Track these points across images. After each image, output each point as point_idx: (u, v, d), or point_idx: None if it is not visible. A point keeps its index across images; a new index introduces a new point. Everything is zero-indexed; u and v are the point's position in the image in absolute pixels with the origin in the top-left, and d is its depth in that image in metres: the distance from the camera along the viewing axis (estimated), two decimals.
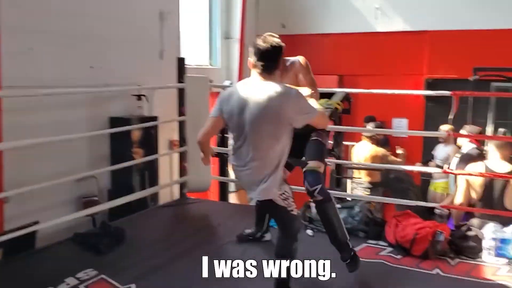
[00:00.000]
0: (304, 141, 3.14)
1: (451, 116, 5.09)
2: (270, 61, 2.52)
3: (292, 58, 3.23)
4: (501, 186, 3.72)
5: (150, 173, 4.96)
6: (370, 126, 5.59)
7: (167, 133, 5.43)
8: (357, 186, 5.41)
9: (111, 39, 4.69)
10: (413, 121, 6.80)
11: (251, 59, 2.58)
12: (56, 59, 4.10)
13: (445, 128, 5.80)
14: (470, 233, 3.53)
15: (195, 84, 4.38)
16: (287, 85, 2.62)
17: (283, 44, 2.58)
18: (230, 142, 2.82)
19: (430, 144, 6.57)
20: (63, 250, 3.42)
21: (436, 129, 5.79)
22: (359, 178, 5.45)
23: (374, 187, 5.50)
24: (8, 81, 3.56)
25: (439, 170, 4.11)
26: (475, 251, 3.43)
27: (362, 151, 5.48)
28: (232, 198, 6.18)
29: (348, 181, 5.82)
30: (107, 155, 4.77)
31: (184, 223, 4.15)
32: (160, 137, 5.12)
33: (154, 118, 4.94)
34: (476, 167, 3.88)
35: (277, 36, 2.63)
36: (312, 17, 7.18)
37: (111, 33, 4.68)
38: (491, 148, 3.92)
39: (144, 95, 5.02)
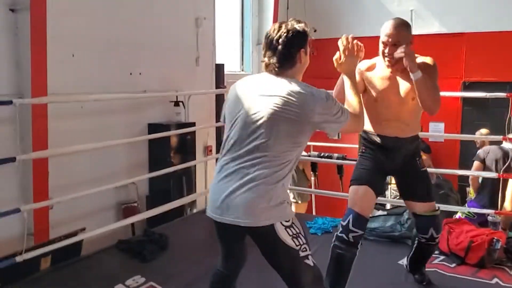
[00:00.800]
0: (405, 167, 2.72)
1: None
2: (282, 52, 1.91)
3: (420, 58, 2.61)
4: None
5: (187, 179, 4.92)
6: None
7: (203, 139, 5.40)
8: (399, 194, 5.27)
9: (149, 46, 4.68)
10: (450, 125, 6.63)
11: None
12: (96, 66, 4.10)
13: (483, 132, 5.66)
14: None
15: None
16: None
17: (306, 29, 1.98)
18: None
19: (466, 148, 6.41)
20: (108, 257, 3.39)
21: (473, 133, 5.66)
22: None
23: None
24: (52, 88, 3.56)
25: (492, 174, 3.95)
26: None
27: None
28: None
29: (389, 188, 5.70)
30: (146, 161, 4.76)
31: None
32: (197, 143, 5.08)
33: (191, 124, 4.91)
34: None
35: (300, 21, 2.01)
36: (346, 21, 7.08)
37: (149, 40, 4.67)
38: None
39: (181, 101, 5.00)
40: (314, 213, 5.76)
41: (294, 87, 1.88)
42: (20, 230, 3.03)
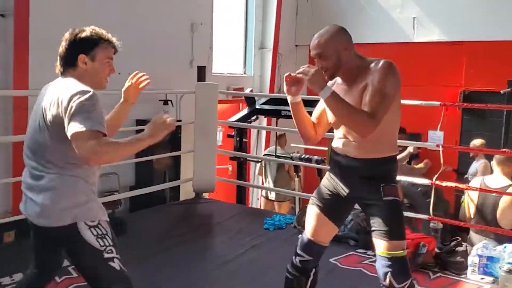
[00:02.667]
0: (363, 195, 2.27)
1: None
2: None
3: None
4: (492, 202, 3.61)
5: (170, 173, 5.29)
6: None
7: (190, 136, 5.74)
8: None
9: (141, 48, 5.06)
10: (449, 134, 6.57)
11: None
12: None
13: (476, 142, 5.61)
14: (459, 248, 3.45)
15: (205, 91, 4.62)
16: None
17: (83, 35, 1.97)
18: None
19: (465, 158, 6.35)
20: None
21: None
22: None
23: None
24: (34, 84, 4.01)
25: (426, 181, 4.03)
26: (461, 267, 3.35)
27: None
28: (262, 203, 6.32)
29: None
30: (132, 154, 5.14)
31: (186, 219, 4.41)
32: (183, 139, 5.40)
33: (178, 121, 5.25)
34: (474, 182, 3.81)
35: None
36: (349, 27, 7.12)
37: (141, 42, 5.05)
38: (493, 163, 3.80)
39: (170, 100, 5.36)
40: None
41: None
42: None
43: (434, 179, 3.81)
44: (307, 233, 2.36)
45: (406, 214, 4.09)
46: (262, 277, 3.21)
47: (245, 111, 5.59)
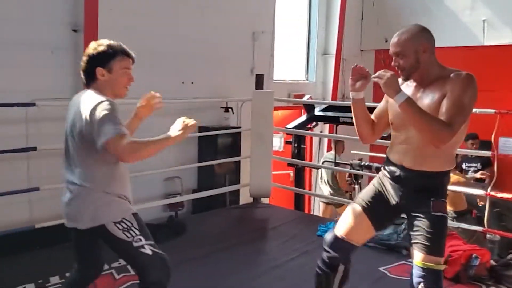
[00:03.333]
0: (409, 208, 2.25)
1: None
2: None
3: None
4: None
5: (231, 177, 5.48)
6: None
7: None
8: None
9: (204, 58, 5.32)
10: None
11: None
12: (147, 75, 4.77)
13: None
14: None
15: (261, 98, 4.75)
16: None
17: (100, 50, 2.14)
18: None
19: None
20: None
21: None
22: None
23: (460, 216, 5.19)
24: None
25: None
26: None
27: None
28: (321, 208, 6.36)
29: None
30: (195, 158, 5.40)
31: (243, 223, 4.57)
32: (243, 145, 5.57)
33: (237, 128, 5.45)
34: None
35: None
36: None
37: (204, 52, 5.31)
38: None
39: (231, 108, 5.57)
40: None
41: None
42: None
43: (489, 190, 3.65)
44: (339, 231, 2.38)
45: (457, 225, 3.98)
46: (309, 282, 3.27)
47: (303, 117, 5.66)
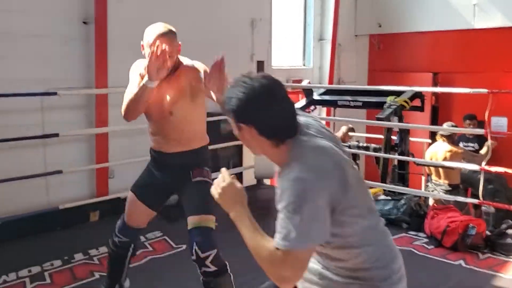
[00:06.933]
0: (179, 180, 2.42)
1: None
2: None
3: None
4: None
5: (234, 161, 5.69)
6: (445, 125, 5.55)
7: None
8: (437, 188, 5.40)
9: (206, 45, 5.43)
10: None
11: None
12: None
13: None
14: (509, 231, 3.56)
15: None
16: None
17: None
18: None
19: None
20: None
21: None
22: (436, 180, 5.38)
23: (453, 189, 5.44)
24: (112, 83, 4.52)
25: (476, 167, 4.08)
26: (510, 249, 3.46)
27: (439, 152, 5.44)
28: None
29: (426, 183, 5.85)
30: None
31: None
32: None
33: None
34: None
35: None
36: (409, 15, 7.24)
37: (205, 40, 5.45)
38: None
39: None
40: None
41: None
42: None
43: (483, 164, 3.88)
44: (126, 218, 2.54)
45: (457, 198, 4.21)
46: None
47: (302, 101, 5.84)
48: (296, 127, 1.42)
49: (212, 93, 2.23)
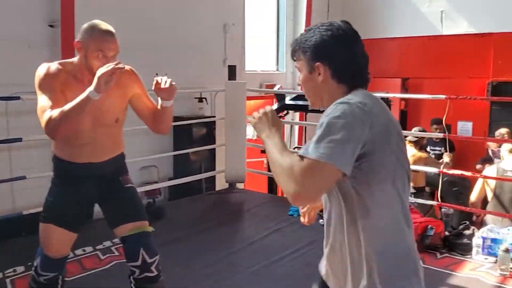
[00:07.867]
0: (106, 188, 2.32)
1: None
2: None
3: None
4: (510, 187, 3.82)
5: (206, 165, 5.72)
6: (413, 130, 5.68)
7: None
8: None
9: (177, 49, 5.50)
10: (478, 124, 6.67)
11: None
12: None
13: (502, 131, 5.71)
14: (466, 231, 3.68)
15: (234, 89, 5.00)
16: None
17: None
18: None
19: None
20: None
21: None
22: None
23: (418, 192, 5.56)
24: None
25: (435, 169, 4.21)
26: (467, 249, 3.58)
27: None
28: None
29: None
30: (170, 147, 5.59)
31: (219, 207, 4.83)
32: (218, 133, 5.78)
33: (212, 117, 5.67)
34: (490, 168, 4.00)
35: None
36: (379, 21, 7.39)
37: (176, 43, 5.49)
38: (503, 150, 3.99)
39: (205, 98, 5.78)
40: None
41: None
42: None
43: (442, 168, 4.01)
44: (49, 253, 2.26)
45: (422, 201, 4.33)
46: (280, 256, 3.57)
47: (274, 106, 5.92)
48: (367, 79, 1.43)
49: (159, 99, 2.25)
